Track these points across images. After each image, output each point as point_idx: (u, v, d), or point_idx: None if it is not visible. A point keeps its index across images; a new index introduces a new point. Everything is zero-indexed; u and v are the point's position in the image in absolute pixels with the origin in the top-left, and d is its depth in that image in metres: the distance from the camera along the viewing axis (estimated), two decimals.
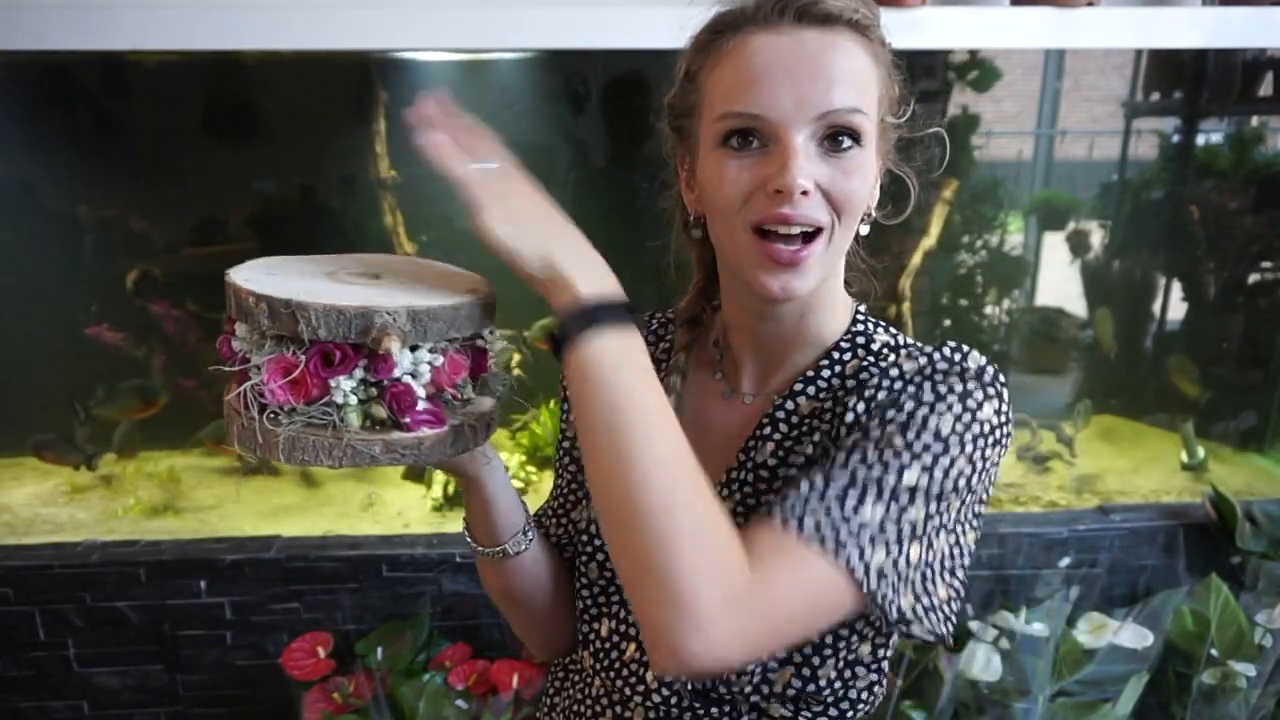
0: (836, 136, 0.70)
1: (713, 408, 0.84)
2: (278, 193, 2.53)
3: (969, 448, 0.70)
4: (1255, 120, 2.82)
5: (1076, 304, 3.00)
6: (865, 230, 0.78)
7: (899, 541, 0.69)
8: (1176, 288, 2.88)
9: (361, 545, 2.00)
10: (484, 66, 2.46)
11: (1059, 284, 3.03)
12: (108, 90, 2.40)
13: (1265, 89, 2.64)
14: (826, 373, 0.79)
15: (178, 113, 2.39)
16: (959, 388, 0.70)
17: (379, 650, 1.90)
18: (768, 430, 0.78)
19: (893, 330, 0.81)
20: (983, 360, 0.73)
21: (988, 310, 2.97)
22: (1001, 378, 0.73)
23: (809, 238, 0.71)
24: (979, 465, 0.71)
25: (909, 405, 0.70)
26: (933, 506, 0.69)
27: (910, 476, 0.68)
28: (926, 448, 0.69)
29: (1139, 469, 2.64)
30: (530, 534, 0.86)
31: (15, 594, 1.94)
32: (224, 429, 0.71)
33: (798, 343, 0.80)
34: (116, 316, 2.47)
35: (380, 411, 0.67)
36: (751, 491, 0.78)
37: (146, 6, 1.62)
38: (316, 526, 2.22)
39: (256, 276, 0.69)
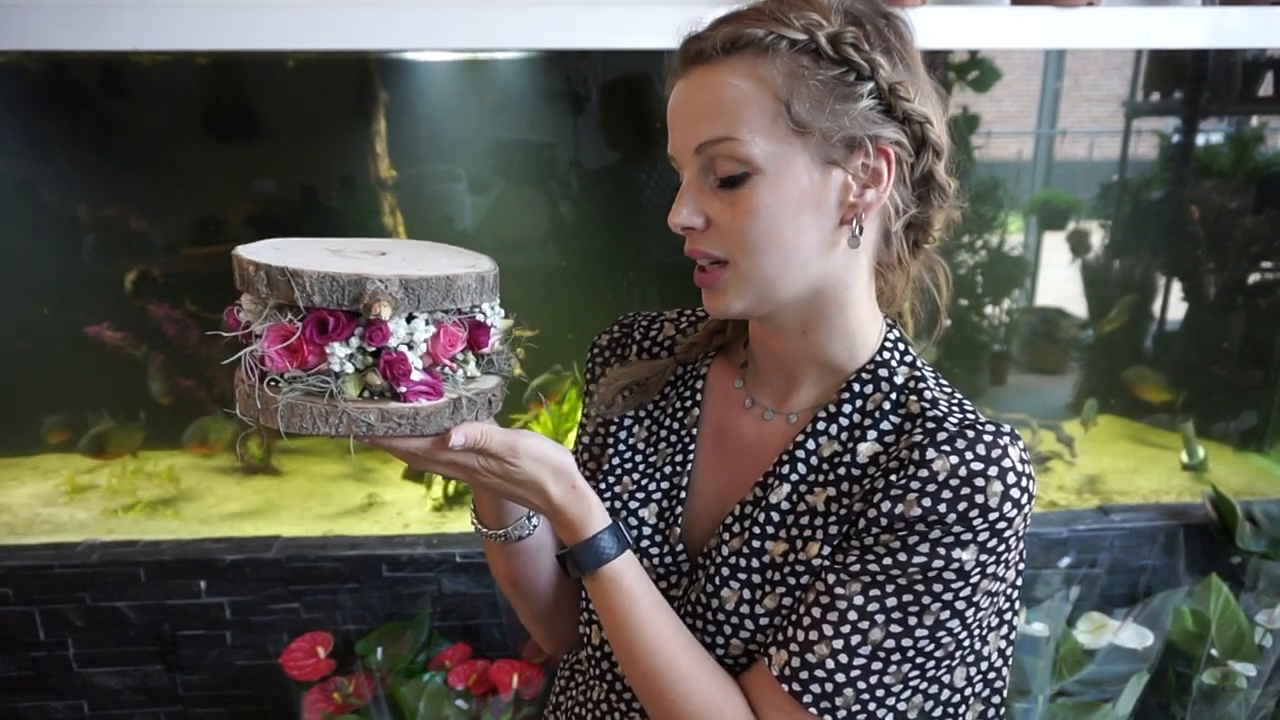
0: (719, 171, 0.70)
1: (732, 417, 0.83)
2: (278, 193, 2.53)
3: (993, 567, 0.69)
4: (1255, 120, 2.81)
5: (1076, 304, 3.00)
6: (897, 228, 0.74)
7: (935, 680, 0.72)
8: (1176, 288, 2.88)
9: (361, 545, 2.00)
10: (484, 66, 2.46)
11: (1059, 284, 3.03)
12: (108, 90, 2.39)
13: (1265, 89, 2.64)
14: (848, 408, 0.76)
15: (178, 113, 2.39)
16: (992, 509, 0.67)
17: (379, 650, 1.90)
18: (785, 470, 0.77)
19: (919, 364, 0.78)
20: (1015, 456, 0.69)
21: (988, 310, 2.97)
22: (1030, 468, 0.70)
23: (718, 263, 0.73)
24: (1002, 573, 0.71)
25: (934, 535, 0.68)
26: (963, 635, 0.71)
27: (934, 621, 0.69)
28: (949, 586, 0.68)
29: (1139, 469, 2.64)
30: (535, 520, 0.85)
31: (15, 594, 1.94)
32: (236, 403, 0.72)
33: (807, 363, 0.78)
34: (116, 317, 2.46)
35: (376, 380, 0.67)
36: (760, 533, 0.77)
37: (146, 6, 1.61)
38: (316, 527, 2.22)
39: (262, 251, 0.70)
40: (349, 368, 0.67)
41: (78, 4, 1.62)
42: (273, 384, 0.67)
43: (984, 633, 0.74)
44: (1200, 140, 2.77)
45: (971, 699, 0.75)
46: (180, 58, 2.24)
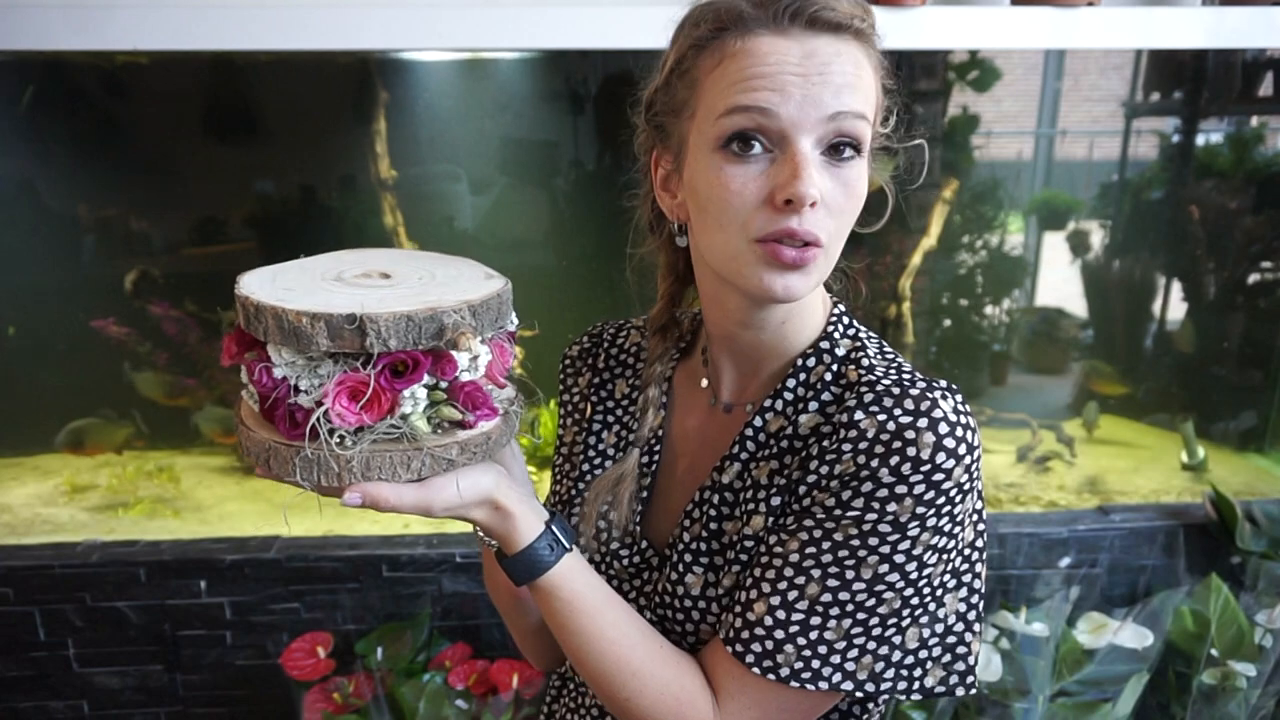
0: (839, 145, 0.68)
1: (697, 417, 0.84)
2: (278, 193, 2.53)
3: (933, 520, 0.68)
4: (1255, 120, 2.81)
5: (1076, 304, 3.00)
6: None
7: (884, 640, 0.70)
8: (1176, 288, 2.88)
9: (361, 545, 2.00)
10: (484, 66, 2.46)
11: (1059, 284, 3.04)
12: (107, 90, 2.39)
13: (1265, 89, 2.64)
14: (792, 382, 0.77)
15: (178, 113, 2.39)
16: (924, 461, 0.66)
17: (379, 650, 1.90)
18: (736, 450, 0.78)
19: (862, 335, 0.79)
20: (948, 407, 0.68)
21: (988, 310, 2.97)
22: (969, 420, 0.69)
23: (808, 243, 0.68)
24: (948, 528, 0.69)
25: (866, 489, 0.67)
26: (908, 591, 0.69)
27: (873, 575, 0.68)
28: (884, 539, 0.67)
29: (1139, 469, 2.63)
30: None
31: (15, 594, 1.94)
32: (251, 461, 0.68)
33: (776, 350, 0.78)
34: (116, 316, 2.47)
35: (454, 413, 0.64)
36: (716, 515, 0.77)
37: (146, 6, 1.61)
38: (316, 526, 2.22)
39: (275, 292, 0.64)
40: (420, 407, 0.64)
41: (78, 4, 1.62)
42: (339, 440, 0.63)
43: (938, 593, 0.71)
44: (1200, 140, 2.78)
45: (930, 663, 0.72)
46: (180, 58, 2.24)
